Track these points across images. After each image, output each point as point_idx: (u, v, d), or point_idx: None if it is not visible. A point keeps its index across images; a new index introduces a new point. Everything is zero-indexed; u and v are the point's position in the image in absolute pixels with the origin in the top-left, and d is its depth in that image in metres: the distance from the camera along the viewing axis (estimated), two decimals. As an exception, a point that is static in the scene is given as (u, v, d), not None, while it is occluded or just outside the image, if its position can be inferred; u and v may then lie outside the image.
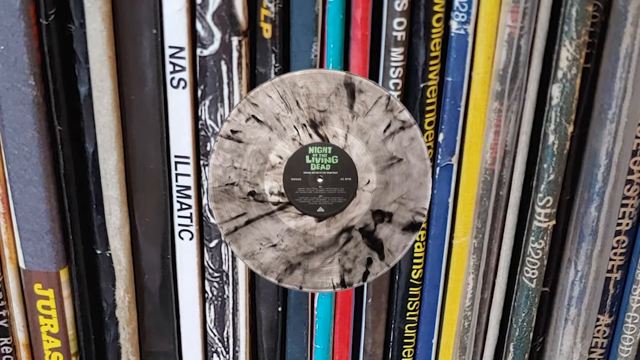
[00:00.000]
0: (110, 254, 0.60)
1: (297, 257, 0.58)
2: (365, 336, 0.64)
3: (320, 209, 0.56)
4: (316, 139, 0.54)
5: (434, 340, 0.64)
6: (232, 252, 0.59)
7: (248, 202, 0.56)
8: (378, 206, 0.56)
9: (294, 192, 0.55)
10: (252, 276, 0.61)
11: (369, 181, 0.55)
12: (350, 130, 0.54)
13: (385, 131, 0.54)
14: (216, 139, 0.54)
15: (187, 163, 0.57)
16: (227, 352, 0.64)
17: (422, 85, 0.54)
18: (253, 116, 0.53)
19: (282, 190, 0.55)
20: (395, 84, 0.54)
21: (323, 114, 0.53)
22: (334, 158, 0.55)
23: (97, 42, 0.52)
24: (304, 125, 0.54)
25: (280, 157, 0.55)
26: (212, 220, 0.58)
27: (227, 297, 0.61)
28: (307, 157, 0.55)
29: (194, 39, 0.53)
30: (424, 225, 0.59)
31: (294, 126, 0.54)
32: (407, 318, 0.63)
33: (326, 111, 0.53)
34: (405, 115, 0.53)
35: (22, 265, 0.60)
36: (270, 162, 0.55)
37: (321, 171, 0.55)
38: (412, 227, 0.57)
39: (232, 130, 0.53)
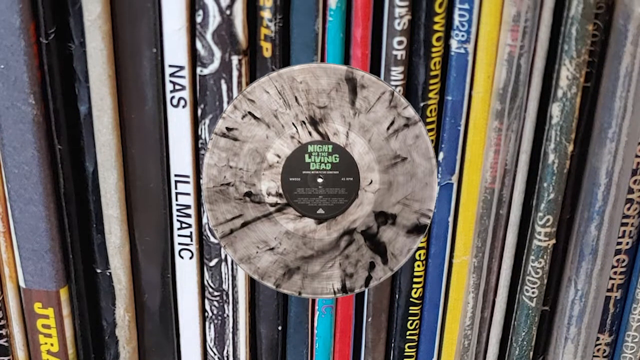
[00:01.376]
0: (110, 272, 0.59)
1: (296, 261, 0.56)
2: (365, 355, 0.63)
3: (320, 211, 0.54)
4: (316, 136, 0.53)
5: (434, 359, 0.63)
6: (232, 264, 0.58)
7: (244, 204, 0.54)
8: (381, 207, 0.54)
9: (293, 193, 0.54)
10: (252, 295, 0.60)
11: (371, 181, 0.54)
12: (352, 128, 0.52)
13: (388, 128, 0.52)
14: (211, 136, 0.52)
15: (187, 182, 0.56)
16: (227, 371, 0.63)
17: (422, 104, 0.53)
18: (250, 113, 0.52)
19: (280, 191, 0.54)
20: (395, 103, 0.53)
21: (323, 111, 0.52)
22: (335, 157, 0.53)
23: (97, 61, 0.52)
24: (303, 122, 0.52)
25: (278, 156, 0.53)
26: (212, 239, 0.57)
27: (227, 316, 0.60)
28: (307, 156, 0.53)
29: (194, 58, 0.52)
30: (424, 244, 0.58)
31: (293, 123, 0.52)
32: (407, 337, 0.62)
33: (326, 107, 0.52)
34: (410, 111, 0.51)
35: (22, 284, 0.59)
36: (267, 162, 0.53)
37: (321, 171, 0.53)
38: (417, 229, 0.55)
39: (227, 128, 0.52)
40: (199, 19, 0.51)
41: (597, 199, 0.55)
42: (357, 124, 0.52)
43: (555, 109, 0.53)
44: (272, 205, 0.54)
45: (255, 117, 0.52)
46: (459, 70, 0.52)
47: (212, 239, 0.57)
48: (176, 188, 0.56)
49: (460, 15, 0.51)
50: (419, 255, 0.59)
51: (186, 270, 0.59)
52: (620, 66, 0.51)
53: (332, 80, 0.51)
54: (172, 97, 0.53)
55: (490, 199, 0.56)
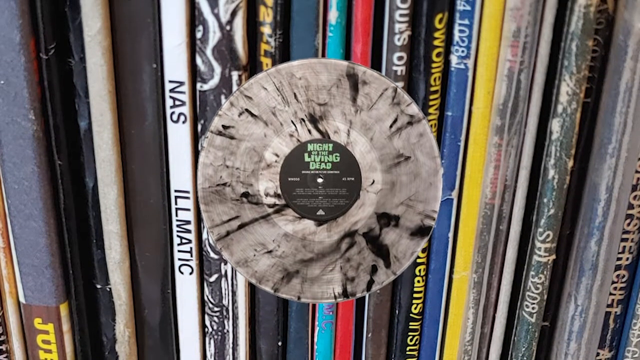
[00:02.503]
0: (110, 288, 0.59)
1: (295, 264, 0.54)
2: (365, 371, 0.62)
3: (321, 212, 0.53)
4: (316, 135, 0.51)
5: (434, 375, 0.63)
6: (232, 280, 0.57)
7: (241, 205, 0.52)
8: (384, 209, 0.53)
9: (292, 194, 0.52)
10: (252, 311, 0.60)
11: (373, 181, 0.52)
12: (353, 126, 0.50)
13: (391, 126, 0.51)
14: (206, 134, 0.51)
15: (187, 198, 0.55)
16: (227, 387, 0.62)
17: (422, 120, 0.53)
18: (247, 110, 0.50)
19: (279, 192, 0.52)
20: (395, 118, 0.52)
21: (323, 108, 0.50)
22: (336, 156, 0.52)
23: (97, 76, 0.51)
24: (303, 120, 0.50)
25: (277, 155, 0.51)
26: (212, 254, 0.57)
27: (227, 331, 0.60)
28: (306, 155, 0.51)
29: (194, 74, 0.52)
30: (424, 260, 0.58)
31: (292, 121, 0.50)
32: (407, 353, 0.61)
33: (327, 104, 0.50)
34: (414, 109, 0.50)
35: (22, 299, 0.59)
36: (265, 161, 0.51)
37: (321, 170, 0.52)
38: (420, 231, 0.54)
39: (223, 126, 0.50)
40: (199, 35, 0.50)
41: (597, 214, 0.55)
42: (359, 121, 0.50)
43: (555, 125, 0.52)
44: (270, 206, 0.53)
45: (252, 115, 0.50)
46: (459, 86, 0.52)
47: (212, 255, 0.57)
48: (176, 203, 0.56)
49: (460, 31, 0.50)
50: (419, 270, 0.58)
51: (186, 286, 0.59)
52: (620, 82, 0.50)
53: (332, 76, 0.50)
54: (172, 113, 0.53)
55: (490, 214, 0.55)
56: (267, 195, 0.52)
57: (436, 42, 0.51)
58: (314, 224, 0.53)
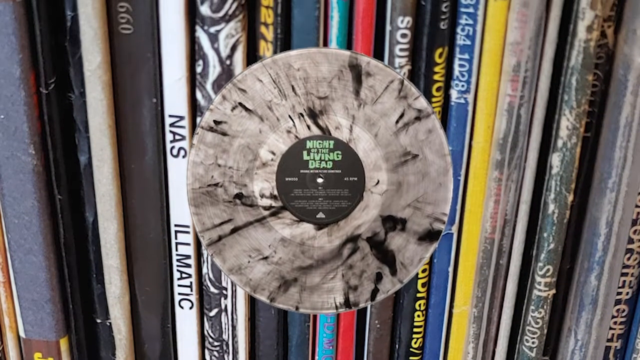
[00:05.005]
0: (110, 323, 0.58)
1: (293, 271, 0.51)
2: (365, 405, 0.60)
3: (321, 215, 0.49)
4: (315, 131, 0.47)
5: (435, 410, 0.62)
6: (232, 314, 0.56)
7: (234, 207, 0.49)
8: (389, 211, 0.49)
9: (289, 195, 0.49)
10: (252, 345, 0.59)
11: (378, 181, 0.48)
12: (356, 121, 0.47)
13: (397, 122, 0.47)
14: (196, 131, 0.47)
15: (187, 232, 0.54)
16: (227, 422, 0.61)
17: (422, 154, 0.51)
18: (240, 104, 0.46)
19: (275, 193, 0.49)
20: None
21: (324, 102, 0.46)
22: (337, 154, 0.48)
23: (97, 111, 0.50)
24: (301, 114, 0.47)
25: (273, 153, 0.48)
26: (212, 289, 0.55)
27: (227, 366, 0.59)
28: (305, 152, 0.48)
29: (194, 108, 0.51)
30: (424, 294, 0.56)
31: (289, 116, 0.47)
32: (408, 387, 0.60)
33: (327, 98, 0.46)
34: (422, 102, 0.46)
35: (22, 334, 0.58)
36: (260, 159, 0.48)
37: (321, 170, 0.48)
38: (429, 236, 0.50)
39: (215, 121, 0.46)
40: (199, 69, 0.49)
41: (597, 249, 0.54)
42: (362, 116, 0.47)
43: (555, 159, 0.52)
44: (265, 208, 0.49)
45: (246, 109, 0.47)
46: (459, 120, 0.51)
47: (212, 289, 0.56)
48: (176, 238, 0.55)
49: (460, 66, 0.49)
50: (419, 305, 0.57)
51: (186, 320, 0.58)
52: (620, 116, 0.50)
53: (333, 67, 0.46)
54: (172, 147, 0.52)
55: (490, 249, 0.54)
56: (262, 196, 0.49)
57: (436, 77, 0.50)
58: (313, 227, 0.50)
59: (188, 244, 0.55)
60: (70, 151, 0.52)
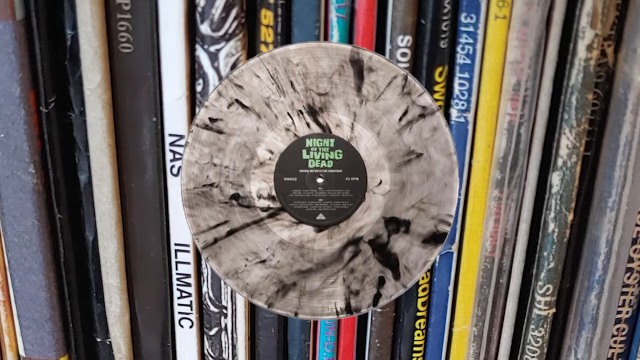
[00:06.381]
0: (110, 342, 0.57)
1: (291, 275, 0.49)
2: None
3: (321, 216, 0.47)
4: (315, 129, 0.45)
5: None
6: (232, 333, 0.55)
7: (230, 208, 0.47)
8: (392, 213, 0.47)
9: (288, 196, 0.47)
10: None
11: (380, 181, 0.47)
12: (358, 119, 0.45)
13: (401, 119, 0.45)
14: (191, 128, 0.45)
15: (187, 251, 0.53)
16: None
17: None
18: (237, 101, 0.44)
19: (273, 193, 0.47)
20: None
21: (324, 98, 0.44)
22: (338, 153, 0.46)
23: (97, 130, 0.49)
24: (300, 112, 0.45)
25: (271, 152, 0.46)
26: (212, 308, 0.55)
27: (227, 385, 0.58)
28: (304, 151, 0.46)
29: None
30: (424, 313, 0.55)
31: (288, 113, 0.45)
32: (408, 406, 0.58)
33: (328, 94, 0.44)
34: (427, 99, 0.44)
35: (22, 353, 0.57)
36: (258, 158, 0.46)
37: (321, 169, 0.46)
38: (434, 238, 0.48)
39: (210, 119, 0.44)
40: (199, 88, 0.48)
41: (597, 267, 0.53)
42: (364, 113, 0.45)
43: (555, 178, 0.51)
44: (263, 209, 0.47)
45: (243, 106, 0.45)
46: (459, 139, 0.50)
47: (212, 308, 0.55)
48: (176, 257, 0.54)
49: (460, 84, 0.49)
50: (419, 324, 0.56)
51: (186, 339, 0.57)
52: (620, 135, 0.49)
53: (334, 62, 0.44)
54: (172, 166, 0.51)
55: (490, 267, 0.54)
56: (260, 197, 0.47)
57: (436, 96, 0.49)
58: (313, 230, 0.48)
59: (188, 263, 0.54)
60: (70, 170, 0.52)
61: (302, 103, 0.44)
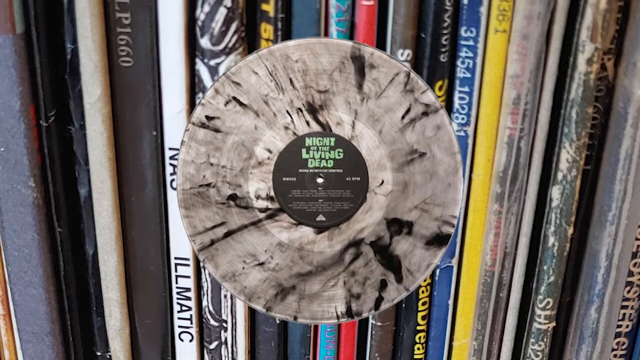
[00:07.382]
0: (110, 355, 0.56)
1: (290, 278, 0.47)
2: None
3: (321, 218, 0.46)
4: (315, 127, 0.44)
5: None
6: (232, 347, 0.54)
7: (228, 209, 0.45)
8: (394, 213, 0.46)
9: (287, 196, 0.45)
10: None
11: (382, 181, 0.45)
12: (359, 117, 0.43)
13: (403, 117, 0.43)
14: (187, 127, 0.43)
15: (187, 265, 0.53)
16: None
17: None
18: (234, 98, 0.42)
19: (272, 194, 0.45)
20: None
21: (324, 96, 0.43)
22: (338, 152, 0.44)
23: (97, 144, 0.49)
24: (300, 109, 0.43)
25: (270, 151, 0.44)
26: (212, 322, 0.54)
27: (227, 399, 0.57)
28: (304, 150, 0.44)
29: None
30: (424, 327, 0.54)
31: (287, 111, 0.43)
32: (408, 420, 0.57)
33: (328, 92, 0.43)
34: (430, 97, 0.42)
35: None
36: (256, 158, 0.44)
37: (322, 169, 0.45)
38: (437, 240, 0.46)
39: (207, 117, 0.43)
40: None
41: (597, 281, 0.53)
42: (365, 111, 0.43)
43: (555, 192, 0.50)
44: (261, 210, 0.46)
45: (241, 104, 0.43)
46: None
47: (212, 322, 0.54)
48: (176, 271, 0.53)
49: (460, 98, 0.48)
50: (419, 338, 0.55)
51: (186, 353, 0.56)
52: (620, 149, 0.49)
53: (334, 59, 0.43)
54: (172, 180, 0.50)
55: (490, 281, 0.53)
56: (258, 197, 0.45)
57: (436, 109, 0.48)
58: (312, 231, 0.46)
59: (188, 277, 0.53)
60: (70, 184, 0.51)
61: (301, 101, 0.42)
